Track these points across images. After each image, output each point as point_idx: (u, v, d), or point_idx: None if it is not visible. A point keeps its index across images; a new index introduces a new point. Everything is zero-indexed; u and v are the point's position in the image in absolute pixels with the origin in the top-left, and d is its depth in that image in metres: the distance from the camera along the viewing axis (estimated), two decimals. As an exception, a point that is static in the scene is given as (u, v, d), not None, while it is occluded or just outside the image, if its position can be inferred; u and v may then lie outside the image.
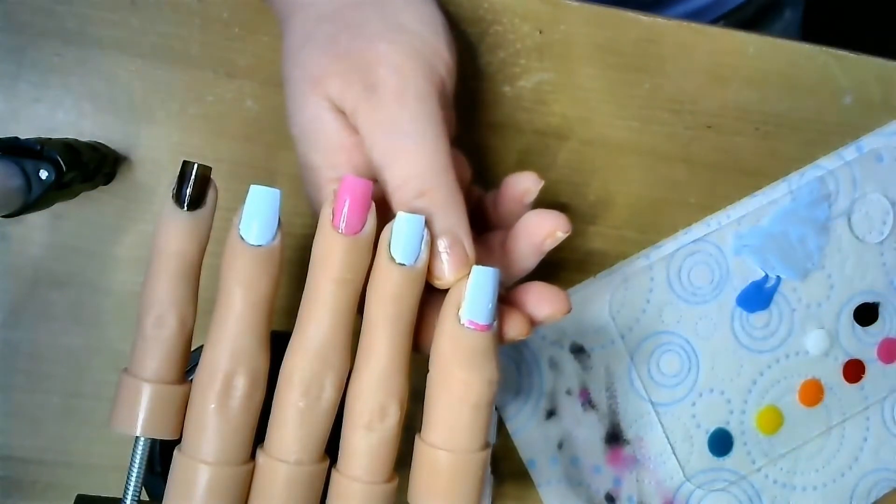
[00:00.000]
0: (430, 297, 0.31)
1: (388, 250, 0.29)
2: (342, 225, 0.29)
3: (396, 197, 0.31)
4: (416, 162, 0.31)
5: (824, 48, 0.46)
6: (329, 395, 0.30)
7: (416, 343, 0.31)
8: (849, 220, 0.47)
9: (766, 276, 0.46)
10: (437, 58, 0.33)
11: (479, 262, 0.31)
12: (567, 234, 0.33)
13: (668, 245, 0.45)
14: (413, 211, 0.31)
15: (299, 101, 0.33)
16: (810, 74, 0.46)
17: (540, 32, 0.44)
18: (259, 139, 0.42)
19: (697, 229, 0.46)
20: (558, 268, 0.44)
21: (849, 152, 0.47)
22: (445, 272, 0.30)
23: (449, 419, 0.30)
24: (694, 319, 0.46)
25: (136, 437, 0.30)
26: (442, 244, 0.31)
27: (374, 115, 0.32)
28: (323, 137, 0.33)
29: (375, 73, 0.32)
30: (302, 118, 0.33)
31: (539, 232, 0.33)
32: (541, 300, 0.32)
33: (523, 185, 0.36)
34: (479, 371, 0.30)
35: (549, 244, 0.33)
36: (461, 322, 0.30)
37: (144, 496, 0.31)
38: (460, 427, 0.30)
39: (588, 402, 0.45)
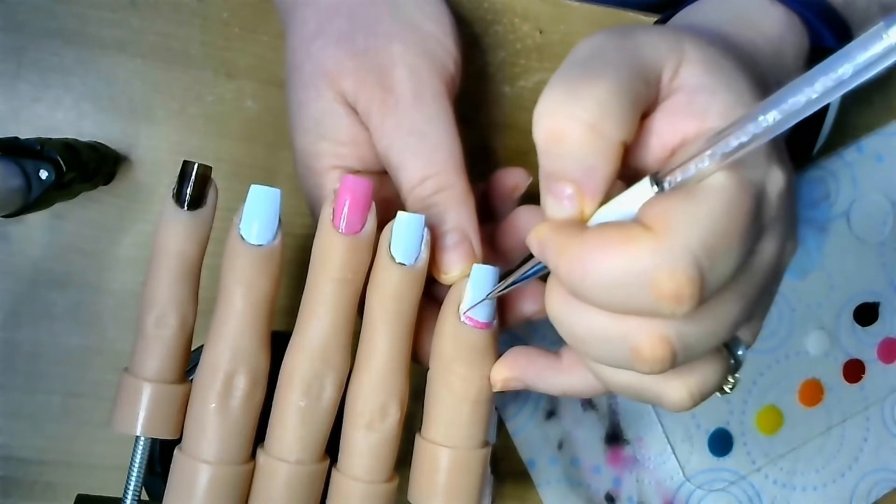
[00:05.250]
0: (426, 306, 0.31)
1: (388, 250, 0.29)
2: (342, 225, 0.29)
3: (412, 196, 0.32)
4: (433, 162, 0.32)
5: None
6: (329, 395, 0.30)
7: (414, 352, 0.31)
8: (849, 220, 0.47)
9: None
10: (448, 57, 0.34)
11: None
12: None
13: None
14: (428, 209, 0.31)
15: (311, 92, 0.33)
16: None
17: (540, 32, 0.44)
18: (259, 139, 0.42)
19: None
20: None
21: (849, 152, 0.47)
22: (453, 266, 0.31)
23: (449, 415, 0.30)
24: (694, 319, 0.46)
25: (137, 436, 0.30)
26: (451, 239, 0.31)
27: (390, 116, 0.32)
28: (335, 129, 0.33)
29: (391, 75, 0.32)
30: (314, 109, 0.33)
31: (528, 228, 0.33)
32: (528, 296, 0.32)
33: (513, 180, 0.36)
34: (478, 368, 0.30)
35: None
36: (461, 319, 0.30)
37: (144, 496, 0.31)
38: (460, 423, 0.30)
39: (588, 402, 0.45)
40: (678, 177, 0.22)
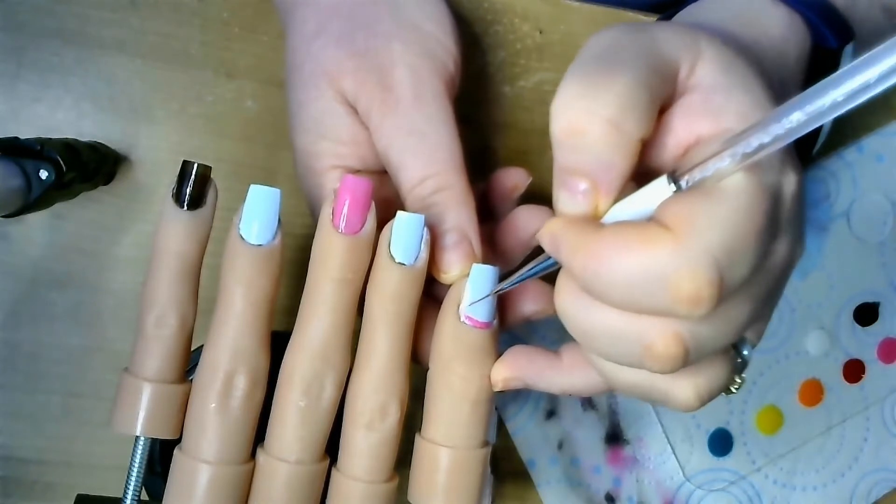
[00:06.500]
0: (426, 306, 0.31)
1: (388, 250, 0.29)
2: (342, 224, 0.29)
3: (412, 195, 0.32)
4: (433, 162, 0.32)
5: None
6: (329, 395, 0.30)
7: (414, 352, 0.31)
8: (849, 220, 0.47)
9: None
10: (448, 56, 0.34)
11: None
12: None
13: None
14: (427, 209, 0.31)
15: (312, 92, 0.33)
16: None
17: (540, 32, 0.44)
18: (259, 139, 0.42)
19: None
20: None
21: (849, 152, 0.47)
22: (452, 266, 0.31)
23: (449, 415, 0.30)
24: (694, 319, 0.46)
25: (137, 436, 0.30)
26: (451, 239, 0.31)
27: (389, 115, 0.32)
28: (335, 129, 0.33)
29: (391, 75, 0.32)
30: (314, 109, 0.33)
31: (528, 228, 0.33)
32: (528, 296, 0.32)
33: (512, 180, 0.36)
34: (478, 367, 0.30)
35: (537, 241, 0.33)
36: (461, 319, 0.30)
37: (144, 496, 0.31)
38: (460, 423, 0.30)
39: (588, 402, 0.45)
40: (697, 175, 0.22)
